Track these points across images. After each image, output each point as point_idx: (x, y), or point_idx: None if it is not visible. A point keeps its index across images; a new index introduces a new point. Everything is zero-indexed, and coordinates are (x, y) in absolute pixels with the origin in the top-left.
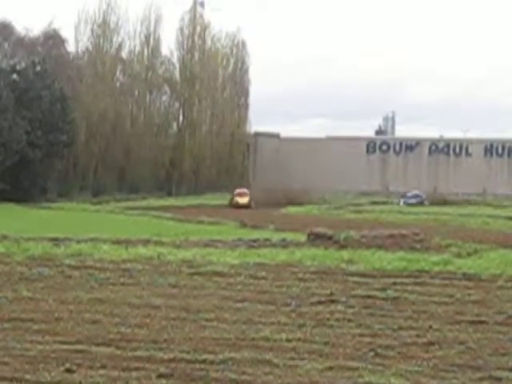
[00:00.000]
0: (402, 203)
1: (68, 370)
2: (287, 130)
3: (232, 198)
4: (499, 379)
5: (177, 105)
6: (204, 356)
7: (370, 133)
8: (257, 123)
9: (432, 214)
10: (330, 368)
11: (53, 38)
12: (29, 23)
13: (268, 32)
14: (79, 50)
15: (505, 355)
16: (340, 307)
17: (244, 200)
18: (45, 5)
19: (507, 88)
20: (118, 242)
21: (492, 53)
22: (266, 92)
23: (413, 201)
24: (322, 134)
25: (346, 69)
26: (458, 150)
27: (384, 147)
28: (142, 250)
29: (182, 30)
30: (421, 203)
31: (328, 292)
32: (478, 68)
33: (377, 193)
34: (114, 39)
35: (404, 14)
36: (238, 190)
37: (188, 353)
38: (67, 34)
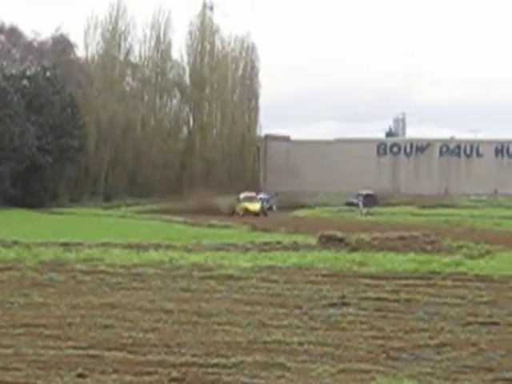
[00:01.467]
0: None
1: (80, 375)
2: (298, 133)
3: (236, 205)
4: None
5: (187, 109)
6: (216, 360)
7: (380, 135)
8: (267, 126)
9: (443, 215)
10: (343, 371)
11: (62, 43)
12: (36, 28)
13: (278, 35)
14: (89, 55)
15: None
16: (352, 310)
17: (255, 206)
18: (51, 9)
19: None
20: (129, 247)
21: (503, 54)
22: (276, 95)
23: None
24: (332, 137)
25: (357, 71)
26: (468, 151)
27: (395, 149)
28: (153, 254)
29: (191, 34)
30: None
31: (340, 295)
32: (488, 69)
33: (388, 195)
34: (124, 44)
35: (414, 15)
36: (244, 194)
37: (200, 357)
38: (75, 39)
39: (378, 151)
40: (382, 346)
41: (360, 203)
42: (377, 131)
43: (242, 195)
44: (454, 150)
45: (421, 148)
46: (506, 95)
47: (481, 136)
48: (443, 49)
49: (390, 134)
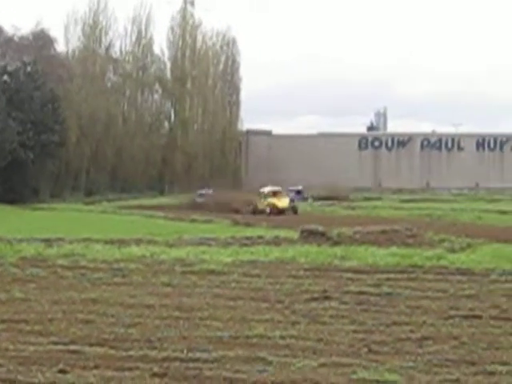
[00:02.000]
0: None
1: (61, 371)
2: (279, 127)
3: (258, 201)
4: (493, 373)
5: (168, 104)
6: (198, 354)
7: (362, 129)
8: (249, 121)
9: (425, 209)
10: (324, 365)
11: (42, 39)
12: (16, 23)
13: (260, 30)
14: (69, 50)
15: (499, 349)
16: (333, 304)
17: (284, 202)
18: (31, 4)
19: (499, 82)
20: (110, 242)
21: (484, 49)
22: (258, 90)
23: None
24: (314, 131)
25: (339, 65)
26: (450, 144)
27: (376, 143)
28: (134, 250)
29: (172, 29)
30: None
31: (321, 289)
32: (470, 63)
33: (369, 189)
34: (105, 39)
35: (395, 9)
36: (269, 188)
37: (182, 351)
38: (56, 34)
39: (359, 145)
40: (364, 339)
41: (295, 199)
42: (359, 125)
43: (266, 189)
44: (435, 144)
45: (402, 142)
46: (487, 89)
47: (462, 130)
48: (424, 43)
49: (371, 128)
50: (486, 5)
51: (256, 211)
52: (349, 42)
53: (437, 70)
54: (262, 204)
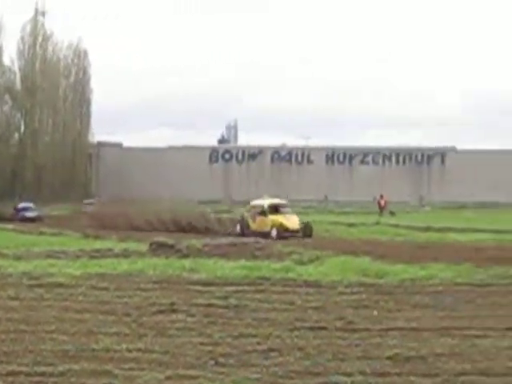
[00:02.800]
0: None
1: None
2: (132, 140)
3: (248, 219)
4: None
5: (18, 114)
6: (43, 368)
7: (213, 142)
8: (103, 133)
9: None
10: (170, 377)
11: None
12: None
13: (112, 42)
14: None
15: (343, 360)
16: (181, 316)
17: (293, 222)
18: None
19: (348, 96)
20: None
21: (336, 64)
22: (110, 102)
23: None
24: (165, 144)
25: (190, 78)
26: (300, 157)
27: (227, 156)
28: None
29: (23, 39)
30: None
31: (169, 301)
32: (320, 77)
33: (220, 202)
34: None
35: (245, 21)
36: (268, 201)
37: (27, 365)
38: None
39: (210, 158)
40: (211, 351)
41: None
42: (210, 138)
43: (265, 202)
44: (285, 157)
45: (252, 155)
46: (336, 102)
47: (312, 143)
48: (277, 55)
49: (222, 141)
50: (341, 21)
51: (247, 233)
52: (201, 55)
53: (288, 84)
54: (257, 223)
